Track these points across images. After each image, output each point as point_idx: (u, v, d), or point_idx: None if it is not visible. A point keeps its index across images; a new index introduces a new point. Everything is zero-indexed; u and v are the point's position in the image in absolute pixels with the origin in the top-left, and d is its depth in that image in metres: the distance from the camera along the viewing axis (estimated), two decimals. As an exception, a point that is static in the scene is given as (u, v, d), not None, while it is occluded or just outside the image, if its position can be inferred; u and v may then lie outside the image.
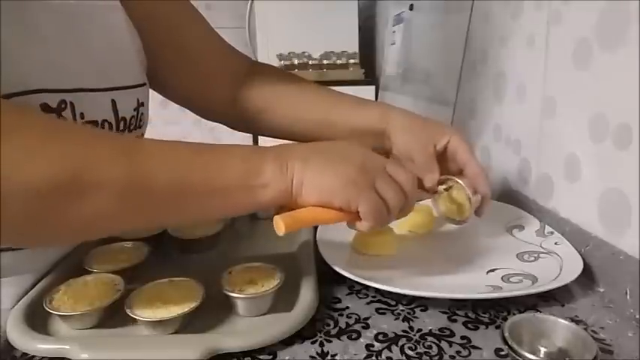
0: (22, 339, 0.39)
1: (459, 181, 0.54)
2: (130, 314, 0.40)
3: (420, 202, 0.62)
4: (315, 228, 0.58)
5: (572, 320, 0.42)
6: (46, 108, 0.44)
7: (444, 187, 0.56)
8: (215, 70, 0.67)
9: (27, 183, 0.33)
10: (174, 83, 0.66)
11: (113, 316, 0.42)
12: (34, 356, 0.39)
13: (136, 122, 0.56)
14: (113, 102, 0.52)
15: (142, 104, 0.57)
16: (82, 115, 0.48)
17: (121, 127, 0.53)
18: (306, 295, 0.44)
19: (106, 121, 0.51)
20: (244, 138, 0.77)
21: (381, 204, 0.43)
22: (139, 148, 0.39)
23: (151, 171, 0.37)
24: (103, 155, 0.36)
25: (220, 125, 0.72)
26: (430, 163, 0.56)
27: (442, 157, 0.57)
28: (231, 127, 0.72)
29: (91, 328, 0.42)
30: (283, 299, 0.44)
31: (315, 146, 0.45)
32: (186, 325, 0.41)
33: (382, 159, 0.45)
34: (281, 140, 0.66)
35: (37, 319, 0.41)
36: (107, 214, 0.37)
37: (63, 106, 0.46)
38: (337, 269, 0.48)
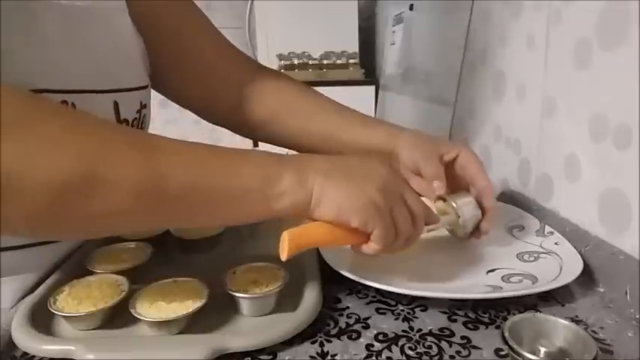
0: (26, 340, 0.39)
1: (454, 203, 0.53)
2: (134, 314, 0.40)
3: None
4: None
5: (572, 320, 0.42)
6: None
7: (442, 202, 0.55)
8: (221, 74, 0.67)
9: (45, 176, 0.32)
10: (177, 85, 0.66)
11: (117, 316, 0.42)
12: (34, 356, 0.39)
13: (138, 124, 0.56)
14: (115, 104, 0.52)
15: (145, 106, 0.57)
16: None
17: None
18: (310, 295, 0.44)
19: None
20: (244, 140, 0.77)
21: (394, 230, 0.43)
22: (157, 147, 0.38)
23: (168, 171, 0.37)
24: (120, 151, 0.36)
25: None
26: (439, 172, 0.55)
27: (450, 172, 0.57)
28: (235, 132, 0.71)
29: (95, 328, 0.42)
30: (287, 299, 0.44)
31: (336, 160, 0.45)
32: (191, 325, 0.41)
33: (402, 183, 0.46)
34: (283, 149, 0.66)
35: (41, 320, 0.41)
36: (121, 212, 0.36)
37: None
38: (337, 269, 0.48)
